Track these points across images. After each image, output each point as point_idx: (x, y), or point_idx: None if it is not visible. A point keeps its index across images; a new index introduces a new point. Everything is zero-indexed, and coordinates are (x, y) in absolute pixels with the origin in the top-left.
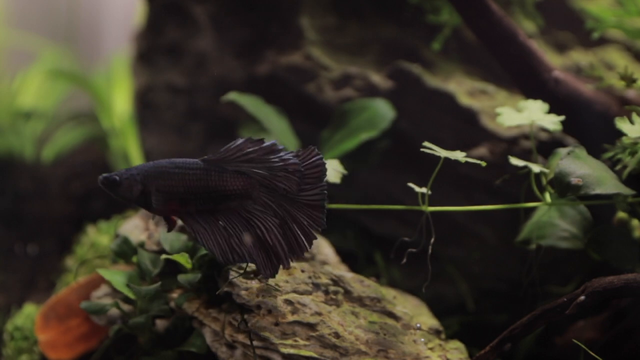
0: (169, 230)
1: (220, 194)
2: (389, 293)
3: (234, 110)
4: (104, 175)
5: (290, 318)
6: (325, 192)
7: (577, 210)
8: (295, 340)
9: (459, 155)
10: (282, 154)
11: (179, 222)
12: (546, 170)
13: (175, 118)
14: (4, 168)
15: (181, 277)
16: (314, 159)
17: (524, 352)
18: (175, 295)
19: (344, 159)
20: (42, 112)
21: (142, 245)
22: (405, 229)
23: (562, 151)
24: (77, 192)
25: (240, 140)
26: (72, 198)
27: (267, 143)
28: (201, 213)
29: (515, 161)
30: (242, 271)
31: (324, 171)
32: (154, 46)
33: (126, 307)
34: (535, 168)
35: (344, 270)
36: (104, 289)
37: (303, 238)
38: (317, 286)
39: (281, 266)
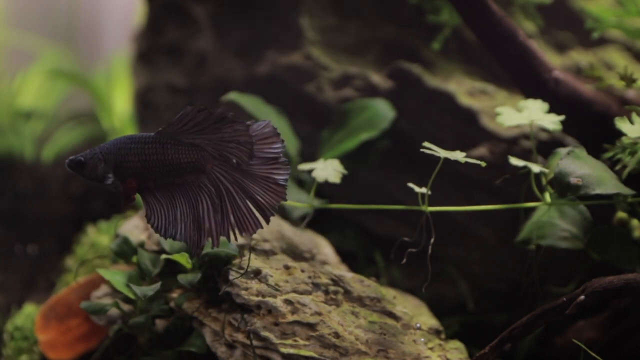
0: (125, 209)
1: (176, 167)
2: (389, 293)
3: (234, 110)
4: (70, 158)
5: (290, 318)
6: (288, 167)
7: (577, 210)
8: (295, 340)
9: (459, 155)
10: (234, 124)
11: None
12: (546, 170)
13: None
14: (4, 168)
15: (181, 277)
16: (266, 130)
17: (524, 352)
18: (175, 295)
19: (344, 159)
20: (42, 112)
21: (142, 245)
22: (405, 229)
23: (562, 151)
24: (77, 192)
25: (189, 109)
26: (72, 198)
27: (216, 111)
28: (160, 189)
29: (515, 161)
30: (242, 271)
31: (280, 148)
32: (154, 46)
33: (126, 307)
34: (535, 168)
35: (344, 270)
36: (104, 289)
37: (256, 214)
38: (317, 286)
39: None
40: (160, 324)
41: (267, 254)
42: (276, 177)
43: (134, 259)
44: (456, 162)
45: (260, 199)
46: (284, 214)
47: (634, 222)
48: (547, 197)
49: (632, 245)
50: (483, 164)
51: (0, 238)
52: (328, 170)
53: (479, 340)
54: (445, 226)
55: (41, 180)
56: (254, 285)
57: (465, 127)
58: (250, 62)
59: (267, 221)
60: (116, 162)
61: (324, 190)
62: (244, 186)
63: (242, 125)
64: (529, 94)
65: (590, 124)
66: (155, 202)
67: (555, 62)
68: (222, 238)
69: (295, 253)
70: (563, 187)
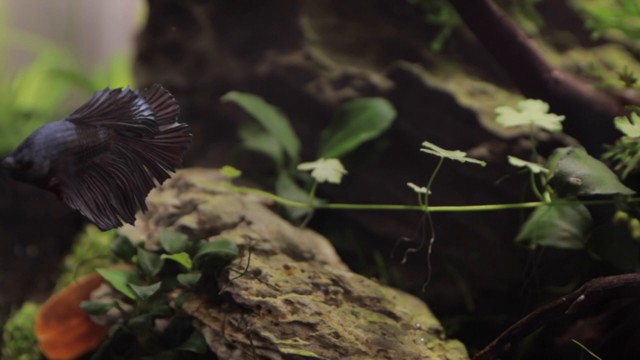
0: (61, 199)
1: (89, 151)
2: (388, 293)
3: (234, 110)
4: (13, 159)
5: (290, 318)
6: (190, 135)
7: (577, 210)
8: (295, 340)
9: (459, 155)
10: (136, 100)
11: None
12: (546, 170)
13: None
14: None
15: (181, 277)
16: (162, 98)
17: (523, 352)
18: (175, 295)
19: (344, 159)
20: (42, 112)
21: (142, 245)
22: (405, 229)
23: (562, 151)
24: None
25: (98, 93)
26: None
27: (123, 93)
28: (80, 175)
29: (515, 161)
30: (242, 271)
31: (175, 110)
32: (154, 46)
33: (126, 307)
34: (535, 168)
35: (343, 270)
36: (104, 289)
37: (153, 177)
38: (317, 286)
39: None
40: (160, 324)
41: (267, 254)
42: (176, 145)
43: (134, 259)
44: (456, 162)
45: (158, 164)
46: (284, 214)
47: (634, 222)
48: (547, 197)
49: (632, 245)
50: (483, 163)
51: (0, 238)
52: (328, 170)
53: (479, 340)
54: (445, 226)
55: None
56: (254, 285)
57: (465, 127)
58: (250, 62)
59: (162, 182)
60: (53, 155)
61: (324, 190)
62: (143, 154)
63: (142, 99)
64: (529, 94)
65: (590, 124)
66: (72, 191)
67: (555, 62)
68: (223, 239)
69: (295, 253)
70: (563, 187)
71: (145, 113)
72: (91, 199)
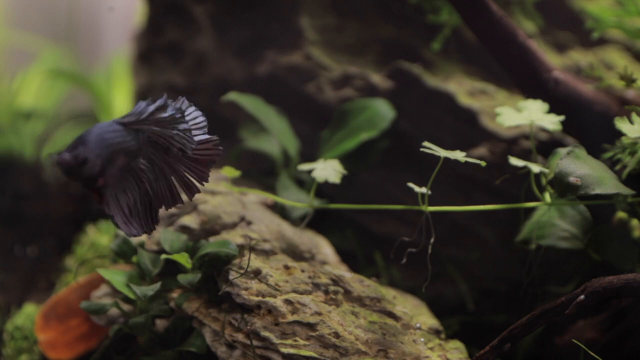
0: (100, 203)
1: (129, 155)
2: (388, 293)
3: (234, 110)
4: (70, 154)
5: (290, 318)
6: (220, 148)
7: (577, 210)
8: (295, 340)
9: (458, 155)
10: (171, 112)
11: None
12: (546, 170)
13: None
14: (4, 168)
15: (181, 277)
16: (189, 110)
17: (523, 352)
18: (175, 295)
19: (344, 159)
20: (42, 112)
21: (142, 245)
22: (405, 229)
23: (562, 151)
24: (76, 192)
25: (142, 104)
26: (72, 198)
27: (158, 101)
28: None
29: (515, 161)
30: (242, 271)
31: (204, 122)
32: (154, 46)
33: (126, 307)
34: (535, 168)
35: (344, 270)
36: (104, 289)
37: (180, 190)
38: (317, 286)
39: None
40: (160, 324)
41: (267, 254)
42: (206, 159)
43: (134, 259)
44: (456, 162)
45: (187, 175)
46: (284, 214)
47: (634, 222)
48: (547, 197)
49: (632, 245)
50: (483, 163)
51: (0, 238)
52: (328, 170)
53: (479, 340)
54: (445, 226)
55: (41, 180)
56: (254, 285)
57: (465, 127)
58: (250, 62)
59: (192, 196)
60: (103, 155)
61: (324, 190)
62: (172, 164)
63: (179, 112)
64: (529, 94)
65: (590, 124)
66: (111, 196)
67: (555, 62)
68: (223, 239)
69: (295, 253)
70: (563, 187)
71: (181, 127)
72: (125, 203)
